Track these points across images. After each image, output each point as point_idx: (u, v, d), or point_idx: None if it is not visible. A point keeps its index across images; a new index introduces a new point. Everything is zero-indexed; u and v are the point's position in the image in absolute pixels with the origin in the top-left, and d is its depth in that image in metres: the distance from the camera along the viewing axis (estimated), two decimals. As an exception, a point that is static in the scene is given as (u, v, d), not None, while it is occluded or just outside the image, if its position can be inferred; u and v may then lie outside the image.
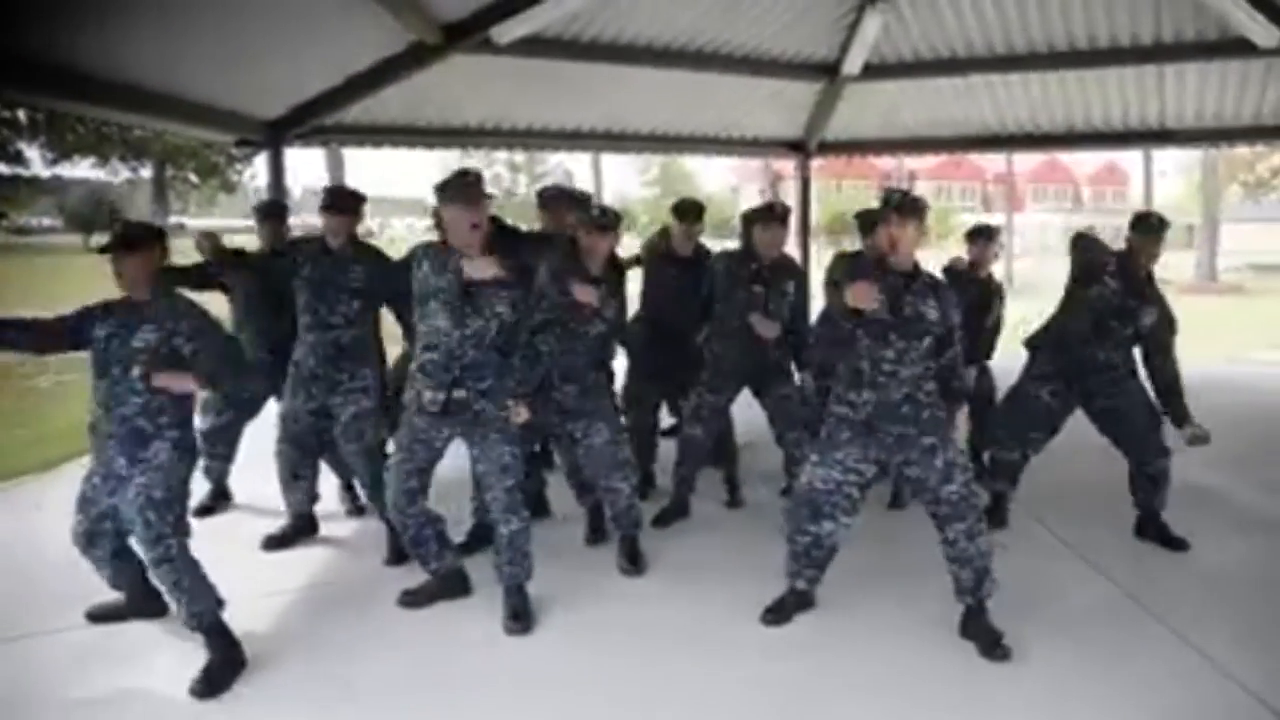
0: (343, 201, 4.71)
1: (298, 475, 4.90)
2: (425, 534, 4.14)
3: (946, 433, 3.75)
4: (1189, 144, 9.77)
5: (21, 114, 17.74)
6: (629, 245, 6.58)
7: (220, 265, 4.81)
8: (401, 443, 4.03)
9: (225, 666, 3.59)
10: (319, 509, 5.11)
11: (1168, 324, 4.74)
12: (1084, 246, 4.87)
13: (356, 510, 5.39)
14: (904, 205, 3.68)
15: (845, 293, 3.59)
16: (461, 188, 3.77)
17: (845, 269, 4.65)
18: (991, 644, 3.71)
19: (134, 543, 3.70)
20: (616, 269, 5.35)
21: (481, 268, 3.81)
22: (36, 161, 22.67)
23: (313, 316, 4.64)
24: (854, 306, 3.60)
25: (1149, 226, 4.69)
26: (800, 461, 4.92)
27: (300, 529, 5.01)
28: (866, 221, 5.38)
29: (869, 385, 3.73)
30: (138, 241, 3.62)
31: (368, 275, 4.61)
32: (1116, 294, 4.69)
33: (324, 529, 5.10)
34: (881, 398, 3.71)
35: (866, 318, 3.68)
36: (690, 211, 5.59)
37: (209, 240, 4.78)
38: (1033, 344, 5.04)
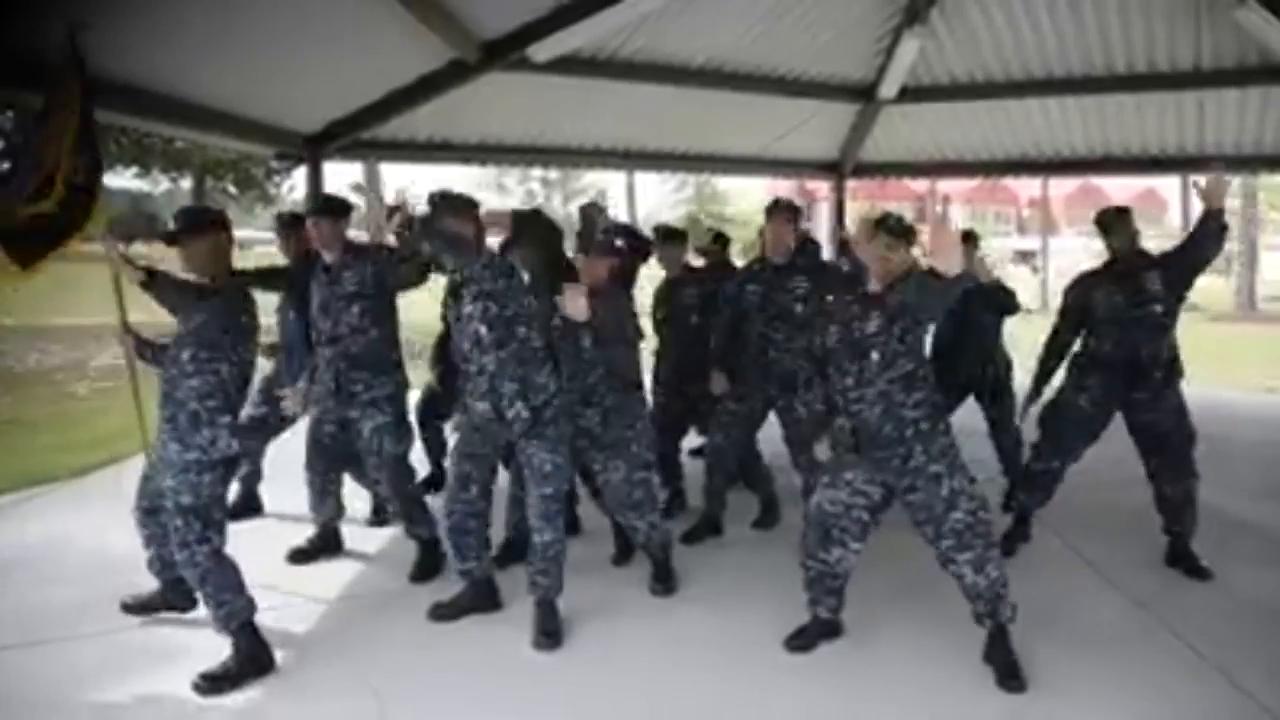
0: (336, 206, 4.73)
1: (326, 490, 4.93)
2: (469, 524, 4.15)
3: (954, 458, 3.62)
4: (1227, 170, 9.66)
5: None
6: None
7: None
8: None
9: (244, 668, 3.62)
10: (345, 521, 5.14)
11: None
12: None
13: (379, 521, 5.41)
14: (896, 229, 3.57)
15: None
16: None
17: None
18: (1007, 674, 3.63)
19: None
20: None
21: None
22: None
23: (320, 331, 4.66)
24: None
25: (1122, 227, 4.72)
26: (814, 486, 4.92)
27: (326, 543, 5.04)
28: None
29: (843, 413, 3.67)
30: (200, 227, 3.67)
31: (367, 277, 4.59)
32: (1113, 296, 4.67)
33: (349, 543, 5.12)
34: (858, 424, 3.62)
35: (829, 349, 3.68)
36: (665, 236, 5.81)
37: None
38: (1078, 361, 4.90)
